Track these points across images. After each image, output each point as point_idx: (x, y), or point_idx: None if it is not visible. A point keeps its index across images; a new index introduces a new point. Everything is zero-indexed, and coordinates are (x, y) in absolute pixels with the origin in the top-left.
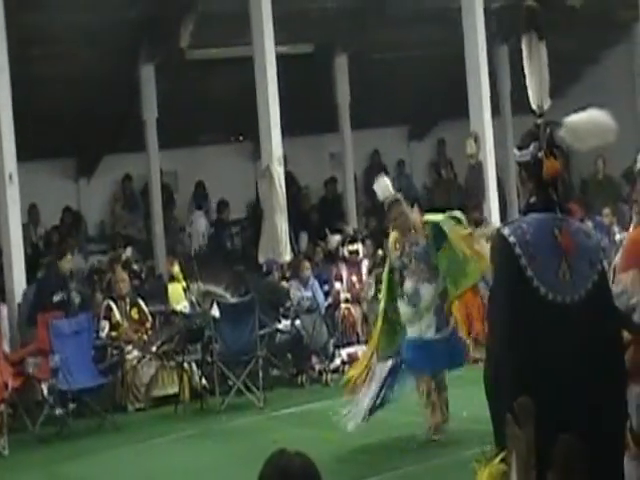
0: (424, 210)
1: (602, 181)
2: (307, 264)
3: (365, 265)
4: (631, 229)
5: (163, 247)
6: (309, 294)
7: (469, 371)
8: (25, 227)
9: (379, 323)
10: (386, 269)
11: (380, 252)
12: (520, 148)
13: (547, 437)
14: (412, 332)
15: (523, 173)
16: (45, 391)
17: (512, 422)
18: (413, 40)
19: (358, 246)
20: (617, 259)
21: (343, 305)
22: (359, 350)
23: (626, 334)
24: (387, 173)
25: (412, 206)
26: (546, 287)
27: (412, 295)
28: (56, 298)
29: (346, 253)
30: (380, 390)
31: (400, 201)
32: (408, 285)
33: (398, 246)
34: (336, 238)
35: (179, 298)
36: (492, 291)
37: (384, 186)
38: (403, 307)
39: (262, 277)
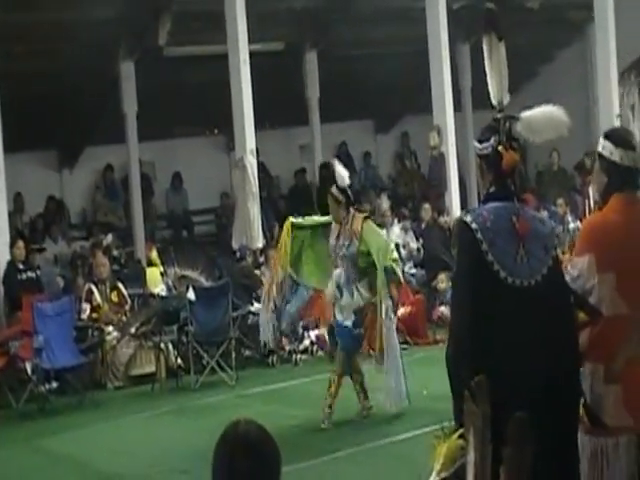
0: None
1: (556, 173)
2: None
3: None
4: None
5: (142, 233)
6: None
7: (429, 352)
8: (11, 215)
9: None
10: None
11: None
12: (480, 141)
13: (503, 414)
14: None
15: (483, 165)
16: (29, 370)
17: (469, 399)
18: (379, 38)
19: None
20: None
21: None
22: (326, 332)
23: (582, 315)
24: (354, 164)
25: (378, 196)
26: (505, 271)
27: (340, 285)
28: (20, 277)
29: None
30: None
31: (332, 195)
32: (337, 272)
33: (336, 234)
34: None
35: (156, 282)
36: (455, 274)
37: (344, 175)
38: (330, 286)
39: (236, 262)
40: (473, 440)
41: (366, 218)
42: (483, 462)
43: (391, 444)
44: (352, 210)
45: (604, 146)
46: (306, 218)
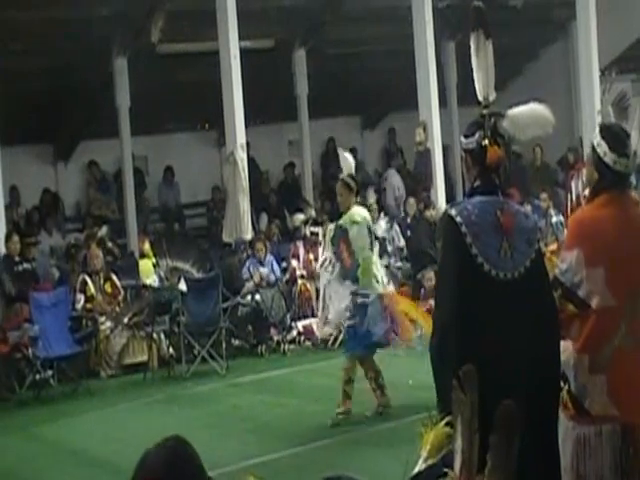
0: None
1: (539, 168)
2: (261, 244)
3: (322, 245)
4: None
5: (135, 226)
6: (267, 270)
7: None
8: (7, 207)
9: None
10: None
11: None
12: (466, 136)
13: (489, 403)
14: None
15: (468, 159)
16: (31, 356)
17: (457, 388)
18: (366, 36)
19: (319, 229)
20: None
21: (299, 281)
22: (314, 323)
23: (571, 308)
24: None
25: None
26: (489, 264)
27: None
28: (16, 268)
29: (308, 233)
30: None
31: (344, 181)
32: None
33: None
34: (300, 217)
35: (149, 273)
36: (440, 267)
37: (351, 162)
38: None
39: (228, 255)
40: (461, 428)
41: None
42: (470, 449)
43: (378, 432)
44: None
45: (599, 144)
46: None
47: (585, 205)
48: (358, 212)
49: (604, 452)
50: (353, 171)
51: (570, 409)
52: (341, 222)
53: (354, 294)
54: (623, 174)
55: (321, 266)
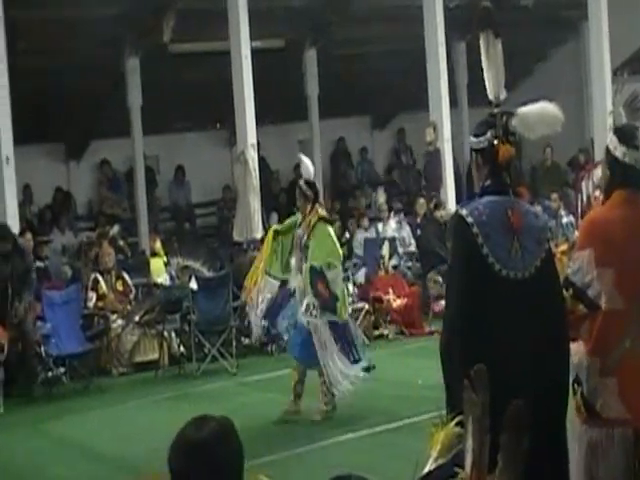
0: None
1: (550, 168)
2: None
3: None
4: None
5: (146, 225)
6: None
7: (424, 343)
8: (20, 206)
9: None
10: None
11: (347, 233)
12: (476, 135)
13: (499, 403)
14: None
15: (479, 159)
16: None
17: (469, 388)
18: (377, 36)
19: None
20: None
21: None
22: None
23: (581, 307)
24: (351, 159)
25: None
26: (500, 264)
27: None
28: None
29: None
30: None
31: (300, 189)
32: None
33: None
34: None
35: (160, 272)
36: (450, 267)
37: (311, 169)
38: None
39: (238, 254)
40: (471, 428)
41: (323, 219)
42: (481, 449)
43: (387, 431)
44: (316, 205)
45: (611, 140)
46: (286, 222)
47: (600, 205)
48: (329, 248)
49: (616, 455)
50: (311, 177)
51: (582, 412)
52: (315, 264)
53: (332, 323)
54: (634, 169)
55: (306, 311)
